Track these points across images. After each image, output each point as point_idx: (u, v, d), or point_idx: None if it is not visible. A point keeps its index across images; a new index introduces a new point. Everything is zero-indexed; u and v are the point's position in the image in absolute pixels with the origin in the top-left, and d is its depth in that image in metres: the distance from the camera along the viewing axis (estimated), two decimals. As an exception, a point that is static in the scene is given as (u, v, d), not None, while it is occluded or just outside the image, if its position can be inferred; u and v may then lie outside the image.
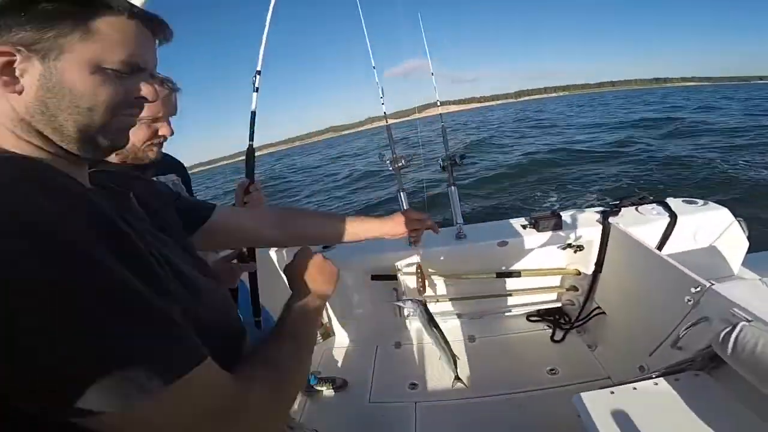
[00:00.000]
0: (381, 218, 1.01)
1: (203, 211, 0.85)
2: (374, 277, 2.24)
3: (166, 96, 0.98)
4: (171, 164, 1.34)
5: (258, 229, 0.84)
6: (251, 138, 1.50)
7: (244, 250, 1.33)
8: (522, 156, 12.35)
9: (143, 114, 0.92)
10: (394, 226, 1.01)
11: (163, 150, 1.09)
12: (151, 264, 0.42)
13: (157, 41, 0.54)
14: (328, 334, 2.53)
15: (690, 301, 1.32)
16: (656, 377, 1.26)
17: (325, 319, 2.52)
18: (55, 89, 0.44)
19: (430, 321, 1.36)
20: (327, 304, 2.41)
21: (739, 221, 1.85)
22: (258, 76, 1.53)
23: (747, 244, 1.87)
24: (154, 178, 1.15)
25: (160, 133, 1.01)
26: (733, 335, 1.08)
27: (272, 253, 2.35)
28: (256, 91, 1.53)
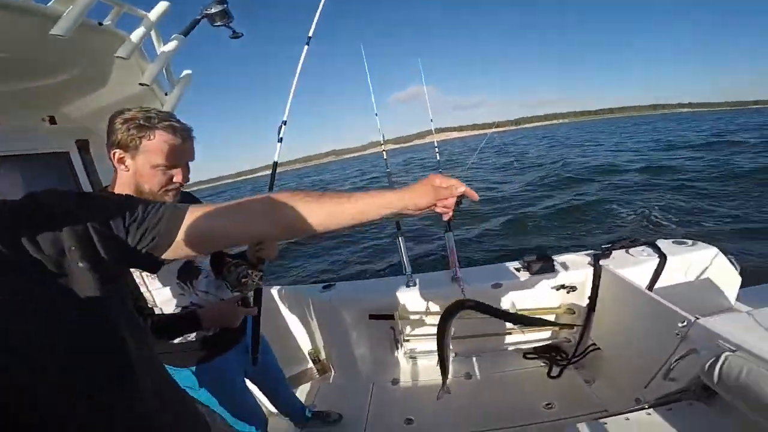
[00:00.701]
0: (398, 190, 0.79)
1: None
2: (372, 317, 2.27)
3: (179, 144, 1.02)
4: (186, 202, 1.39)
5: (240, 224, 0.71)
6: (270, 188, 1.55)
7: (249, 295, 1.38)
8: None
9: (160, 161, 1.01)
10: (416, 197, 0.78)
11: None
12: None
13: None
14: (325, 369, 2.52)
15: (678, 334, 1.38)
16: (649, 408, 1.29)
17: (323, 356, 2.52)
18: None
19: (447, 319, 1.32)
20: (323, 340, 2.48)
21: (729, 258, 1.93)
22: (284, 126, 1.61)
23: (740, 278, 1.93)
24: None
25: (174, 180, 1.07)
26: (718, 365, 1.13)
27: (274, 292, 2.40)
28: (281, 141, 1.62)
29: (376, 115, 2.34)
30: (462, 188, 0.80)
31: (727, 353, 1.13)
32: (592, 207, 9.09)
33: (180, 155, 1.03)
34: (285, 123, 1.63)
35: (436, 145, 2.75)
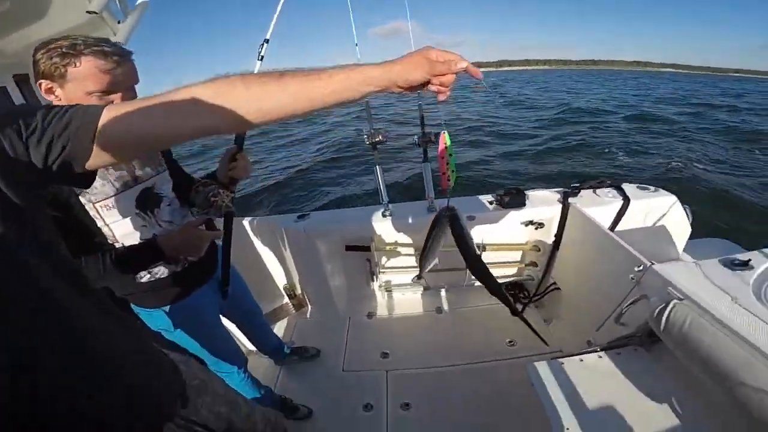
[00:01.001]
0: (383, 63, 0.65)
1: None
2: (348, 248, 2.29)
3: (112, 68, 0.95)
4: None
5: (176, 120, 0.58)
6: None
7: (217, 219, 1.26)
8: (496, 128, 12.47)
9: (92, 87, 0.93)
10: (406, 70, 0.64)
11: None
12: None
13: None
14: (301, 305, 2.61)
15: (633, 279, 1.46)
16: (600, 350, 1.41)
17: (299, 290, 2.59)
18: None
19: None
20: (298, 273, 2.50)
21: (684, 208, 2.03)
22: (266, 45, 1.49)
23: (690, 230, 2.06)
24: None
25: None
26: (666, 312, 1.21)
27: (246, 223, 2.35)
28: (261, 59, 1.50)
29: (356, 45, 2.13)
30: (463, 63, 0.67)
31: (675, 301, 1.21)
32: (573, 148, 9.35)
33: (115, 79, 0.97)
34: (267, 41, 1.49)
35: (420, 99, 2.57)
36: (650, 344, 1.37)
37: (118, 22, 1.66)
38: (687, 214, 2.03)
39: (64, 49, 0.90)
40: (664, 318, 1.21)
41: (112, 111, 0.56)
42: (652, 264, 1.39)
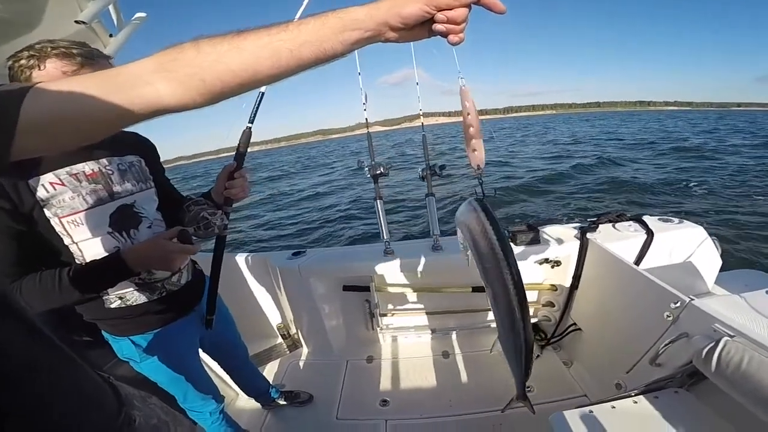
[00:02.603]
0: (370, 3, 0.52)
1: None
2: (346, 288, 2.15)
3: (81, 70, 0.87)
4: (132, 143, 1.13)
5: (116, 99, 0.48)
6: (251, 120, 1.35)
7: (193, 229, 1.08)
8: (509, 170, 12.59)
9: None
10: (396, 3, 0.51)
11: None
12: None
13: None
14: (296, 346, 2.40)
15: (669, 316, 1.30)
16: (635, 395, 1.23)
17: (293, 330, 2.40)
18: None
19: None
20: (293, 313, 2.34)
21: (713, 239, 1.89)
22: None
23: (720, 262, 1.90)
24: (111, 159, 1.02)
25: None
26: (717, 351, 1.05)
27: (239, 259, 2.22)
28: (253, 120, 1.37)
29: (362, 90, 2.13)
30: None
31: (726, 339, 1.06)
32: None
33: None
34: (262, 95, 1.40)
35: (423, 130, 2.56)
36: (691, 385, 1.21)
37: (110, 36, 1.61)
38: (716, 246, 1.89)
39: (31, 52, 0.85)
40: (715, 357, 1.06)
41: (42, 93, 0.46)
42: (692, 300, 1.24)
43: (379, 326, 2.22)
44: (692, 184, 8.77)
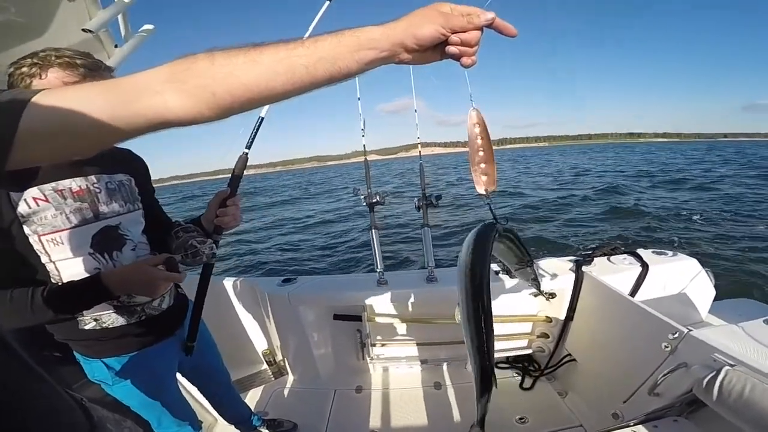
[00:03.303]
0: (387, 23, 0.52)
1: None
2: (337, 317, 2.09)
3: (77, 81, 0.86)
4: (124, 161, 1.10)
5: (122, 107, 0.46)
6: (249, 146, 1.31)
7: (180, 257, 1.05)
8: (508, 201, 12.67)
9: None
10: (414, 25, 0.51)
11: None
12: None
13: None
14: (281, 373, 2.30)
15: (667, 347, 1.30)
16: (634, 425, 1.21)
17: (279, 357, 2.31)
18: None
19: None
20: (280, 339, 2.25)
21: (706, 271, 1.91)
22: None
23: (714, 292, 1.92)
24: (100, 176, 0.99)
25: None
26: (719, 380, 1.05)
27: (227, 283, 2.17)
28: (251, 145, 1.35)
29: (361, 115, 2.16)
30: (489, 15, 0.53)
31: (727, 368, 1.06)
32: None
33: None
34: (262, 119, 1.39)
35: (420, 159, 2.57)
36: (690, 413, 1.21)
37: (115, 46, 1.59)
38: (710, 277, 1.92)
39: (34, 60, 0.83)
40: (716, 386, 1.05)
41: (47, 99, 0.44)
42: (690, 330, 1.25)
43: (369, 356, 2.15)
44: (688, 214, 8.87)
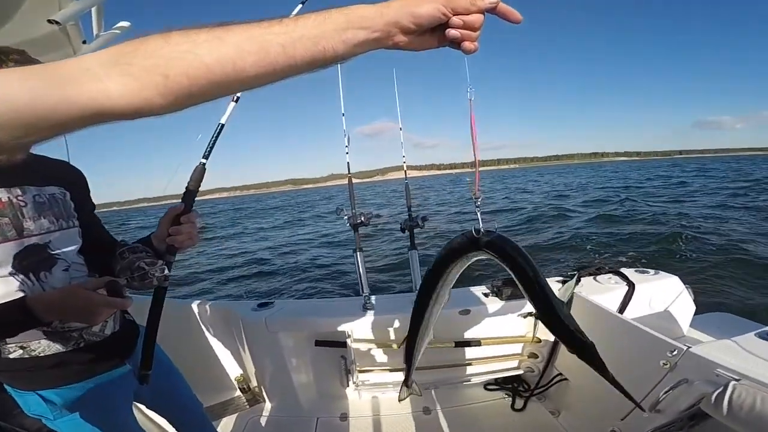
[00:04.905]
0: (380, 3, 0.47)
1: None
2: (319, 343, 1.98)
3: None
4: (57, 173, 1.00)
5: (64, 94, 0.37)
6: (206, 155, 1.16)
7: (126, 280, 0.92)
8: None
9: None
10: (410, 2, 0.46)
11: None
12: None
13: None
14: (257, 400, 2.14)
15: (666, 364, 1.32)
16: None
17: (253, 383, 2.14)
18: None
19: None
20: (254, 366, 2.08)
21: (686, 287, 2.00)
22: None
23: (694, 307, 2.00)
24: (27, 188, 0.88)
25: None
26: (727, 395, 1.06)
27: (195, 307, 2.02)
28: (236, 101, 1.24)
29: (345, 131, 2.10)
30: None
31: (733, 383, 1.08)
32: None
33: None
34: (222, 126, 1.24)
35: (406, 179, 2.52)
36: (691, 427, 1.22)
37: (84, 42, 1.45)
38: (690, 293, 2.00)
39: None
40: (725, 401, 1.06)
41: None
42: (689, 347, 1.27)
43: (354, 382, 2.04)
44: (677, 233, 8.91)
